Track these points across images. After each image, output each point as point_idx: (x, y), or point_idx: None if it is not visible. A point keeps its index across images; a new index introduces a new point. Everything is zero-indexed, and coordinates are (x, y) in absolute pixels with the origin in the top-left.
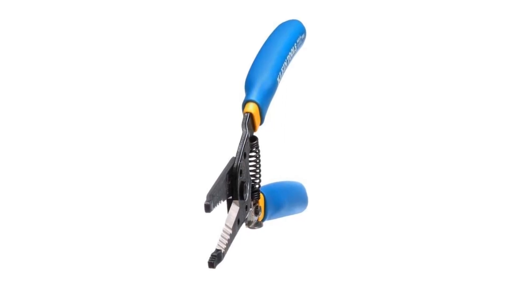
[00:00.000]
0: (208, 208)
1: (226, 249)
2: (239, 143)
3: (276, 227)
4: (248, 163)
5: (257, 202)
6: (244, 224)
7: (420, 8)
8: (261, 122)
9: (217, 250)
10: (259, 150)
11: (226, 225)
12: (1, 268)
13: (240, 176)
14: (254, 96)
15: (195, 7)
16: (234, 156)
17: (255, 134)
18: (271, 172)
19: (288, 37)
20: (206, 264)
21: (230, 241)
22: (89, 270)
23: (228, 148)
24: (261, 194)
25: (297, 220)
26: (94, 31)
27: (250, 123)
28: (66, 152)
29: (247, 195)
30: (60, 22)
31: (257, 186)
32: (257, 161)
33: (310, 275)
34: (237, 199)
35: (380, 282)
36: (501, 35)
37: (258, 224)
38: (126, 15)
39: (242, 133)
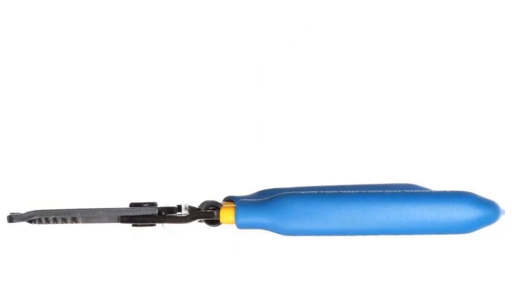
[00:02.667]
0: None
1: None
2: None
3: (272, 239)
4: None
5: None
6: None
7: (417, 7)
8: None
9: None
10: None
11: None
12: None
13: None
14: None
15: (195, 7)
16: None
17: None
18: (270, 172)
19: None
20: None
21: None
22: (87, 269)
23: (227, 147)
24: None
25: None
26: (94, 31)
27: None
28: (65, 152)
29: None
30: (60, 22)
31: None
32: None
33: (310, 276)
34: None
35: (380, 282)
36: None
37: None
38: (126, 15)
39: None
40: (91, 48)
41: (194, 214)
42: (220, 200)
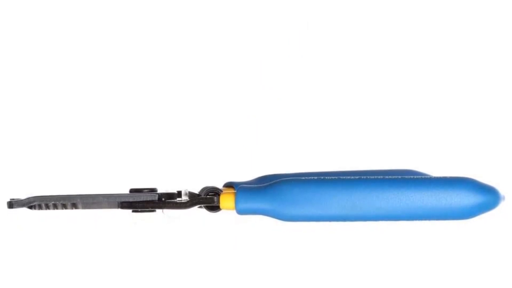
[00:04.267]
0: None
1: None
2: None
3: (272, 225)
4: None
5: None
6: None
7: (416, 7)
8: None
9: None
10: None
11: None
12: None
13: None
14: None
15: (195, 7)
16: None
17: None
18: (270, 158)
19: None
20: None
21: None
22: (86, 255)
23: (227, 147)
24: None
25: None
26: (94, 29)
27: None
28: (65, 138)
29: None
30: (60, 22)
31: None
32: None
33: (310, 262)
34: None
35: (380, 268)
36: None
37: None
38: (126, 15)
39: None
40: (90, 42)
41: (194, 200)
42: (220, 186)
